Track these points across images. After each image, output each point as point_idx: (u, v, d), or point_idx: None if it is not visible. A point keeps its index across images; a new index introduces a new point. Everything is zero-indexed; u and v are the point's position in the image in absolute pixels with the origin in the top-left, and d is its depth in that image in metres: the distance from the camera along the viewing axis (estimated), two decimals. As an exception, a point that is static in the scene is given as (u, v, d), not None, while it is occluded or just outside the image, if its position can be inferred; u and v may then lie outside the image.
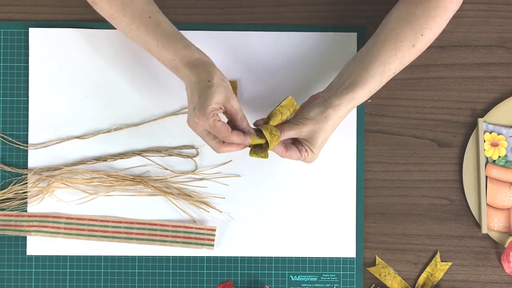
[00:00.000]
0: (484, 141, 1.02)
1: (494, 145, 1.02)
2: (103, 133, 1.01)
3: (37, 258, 1.01)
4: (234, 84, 1.00)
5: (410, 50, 0.92)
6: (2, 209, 1.01)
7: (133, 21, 0.92)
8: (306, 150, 0.92)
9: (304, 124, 0.90)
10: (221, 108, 0.88)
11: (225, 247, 1.01)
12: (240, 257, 1.02)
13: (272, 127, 0.91)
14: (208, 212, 1.01)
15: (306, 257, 1.02)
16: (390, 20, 0.93)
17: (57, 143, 1.01)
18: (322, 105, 0.91)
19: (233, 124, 0.89)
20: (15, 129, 1.01)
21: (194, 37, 1.00)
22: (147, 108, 1.01)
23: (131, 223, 1.01)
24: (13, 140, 1.01)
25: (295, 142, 0.93)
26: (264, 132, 0.89)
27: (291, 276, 1.02)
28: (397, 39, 0.91)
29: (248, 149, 0.93)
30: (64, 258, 1.01)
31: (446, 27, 0.96)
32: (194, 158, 1.02)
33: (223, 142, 0.89)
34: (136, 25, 0.92)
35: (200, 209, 1.01)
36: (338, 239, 1.02)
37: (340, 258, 1.02)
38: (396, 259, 1.03)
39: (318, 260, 1.02)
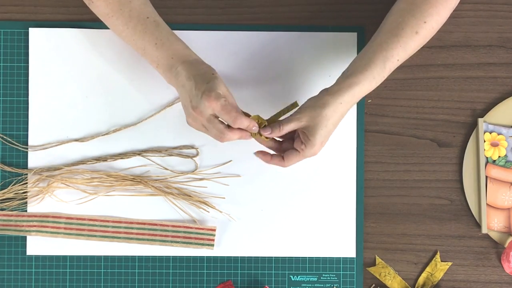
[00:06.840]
0: (484, 141, 1.02)
1: (494, 145, 1.02)
2: (102, 135, 1.01)
3: (37, 258, 1.01)
4: None
5: (413, 37, 0.91)
6: (2, 209, 1.01)
7: (129, 20, 0.91)
8: (302, 142, 0.90)
9: (301, 113, 0.89)
10: None
11: (225, 247, 1.01)
12: (240, 257, 1.02)
13: (258, 116, 0.90)
14: (208, 212, 1.01)
15: (306, 257, 1.02)
16: (392, 13, 0.93)
17: (56, 145, 1.01)
18: (321, 93, 0.90)
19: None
20: (15, 129, 1.01)
21: (194, 37, 1.00)
22: (148, 108, 1.01)
23: (131, 223, 1.01)
24: (13, 141, 1.01)
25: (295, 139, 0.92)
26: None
27: (291, 276, 1.02)
28: (399, 27, 0.90)
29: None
30: (64, 258, 1.01)
31: (446, 27, 0.96)
32: (194, 158, 1.02)
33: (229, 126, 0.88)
34: (132, 24, 0.91)
35: (200, 209, 1.01)
36: (338, 239, 1.02)
37: (340, 258, 1.02)
38: (396, 259, 1.03)
39: (318, 260, 1.02)
